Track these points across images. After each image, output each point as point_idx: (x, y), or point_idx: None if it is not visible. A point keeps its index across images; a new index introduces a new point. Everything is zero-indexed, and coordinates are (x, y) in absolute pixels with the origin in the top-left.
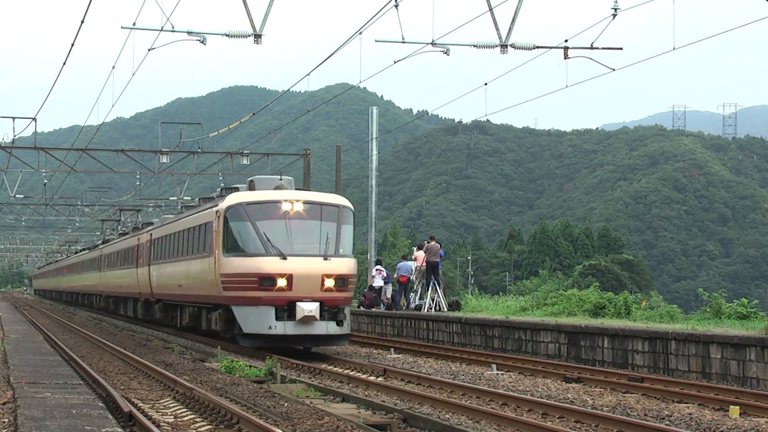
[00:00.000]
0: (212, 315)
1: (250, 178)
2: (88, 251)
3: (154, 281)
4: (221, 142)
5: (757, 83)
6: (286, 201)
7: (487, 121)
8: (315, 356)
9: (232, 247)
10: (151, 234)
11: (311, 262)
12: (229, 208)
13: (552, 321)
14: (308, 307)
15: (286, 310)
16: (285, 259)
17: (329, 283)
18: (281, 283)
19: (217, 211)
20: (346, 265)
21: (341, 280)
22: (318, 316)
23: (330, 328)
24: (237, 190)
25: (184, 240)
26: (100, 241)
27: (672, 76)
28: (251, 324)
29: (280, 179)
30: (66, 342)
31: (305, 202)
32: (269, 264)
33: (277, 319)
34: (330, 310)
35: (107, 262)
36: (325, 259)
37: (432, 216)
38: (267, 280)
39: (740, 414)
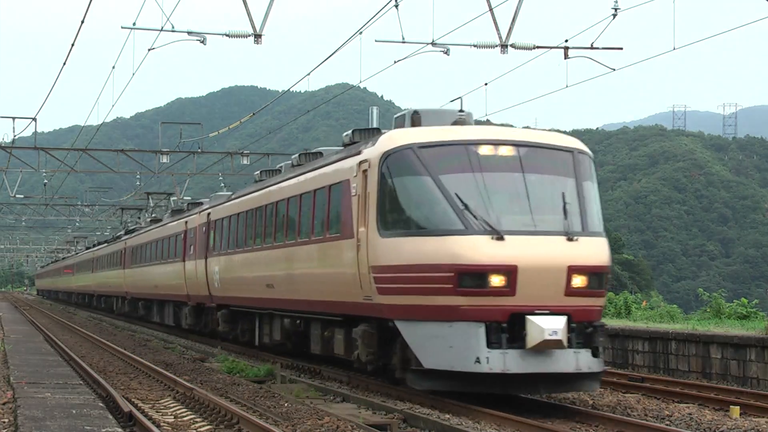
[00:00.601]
0: (339, 333)
1: (409, 111)
2: (106, 244)
3: (217, 279)
4: (221, 142)
5: (757, 83)
6: (486, 142)
7: (488, 121)
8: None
9: (397, 219)
10: (208, 215)
11: (547, 245)
12: (388, 154)
13: None
14: (549, 325)
15: (506, 329)
16: (502, 239)
17: (578, 281)
18: (496, 281)
19: (361, 163)
20: (601, 249)
21: (596, 277)
22: (565, 341)
23: (582, 360)
24: (380, 132)
25: (279, 216)
26: (122, 232)
27: (672, 76)
28: (438, 353)
29: (461, 111)
30: (66, 342)
31: (519, 144)
32: (474, 248)
33: (489, 345)
34: (581, 329)
35: (136, 255)
36: (569, 239)
37: None
38: (470, 277)
39: (740, 414)
